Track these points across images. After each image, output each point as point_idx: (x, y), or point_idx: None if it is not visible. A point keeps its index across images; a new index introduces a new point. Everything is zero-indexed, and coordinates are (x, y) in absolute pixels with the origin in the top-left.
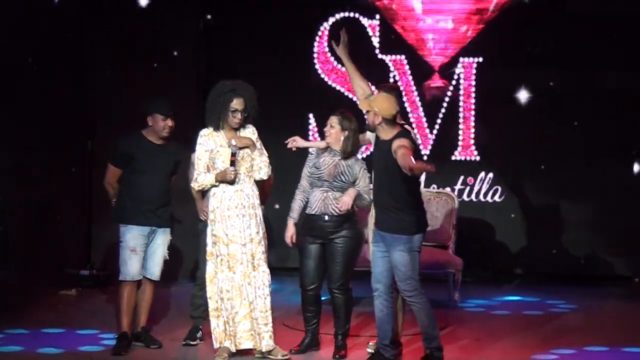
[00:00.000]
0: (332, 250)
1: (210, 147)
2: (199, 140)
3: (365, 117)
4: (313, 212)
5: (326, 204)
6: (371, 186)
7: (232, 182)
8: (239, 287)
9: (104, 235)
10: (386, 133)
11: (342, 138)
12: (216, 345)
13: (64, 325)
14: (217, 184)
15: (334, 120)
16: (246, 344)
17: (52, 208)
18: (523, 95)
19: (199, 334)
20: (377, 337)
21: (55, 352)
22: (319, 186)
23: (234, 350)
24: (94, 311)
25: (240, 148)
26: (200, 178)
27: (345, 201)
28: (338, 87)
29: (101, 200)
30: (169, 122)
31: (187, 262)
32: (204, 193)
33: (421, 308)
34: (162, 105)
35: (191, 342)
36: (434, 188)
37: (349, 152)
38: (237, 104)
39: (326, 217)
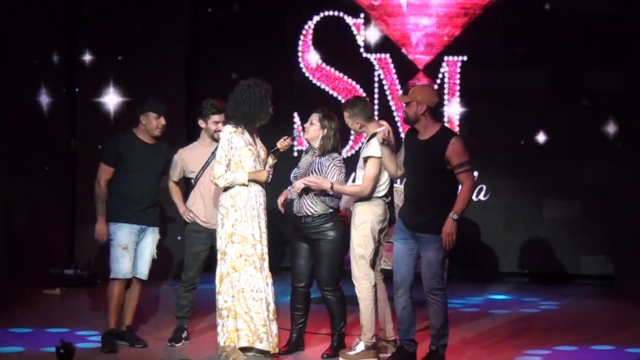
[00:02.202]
0: (317, 252)
1: (240, 144)
2: (227, 136)
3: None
4: (294, 213)
5: (301, 204)
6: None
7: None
8: (263, 289)
9: (88, 235)
10: (428, 128)
11: (321, 136)
12: (222, 343)
13: (48, 325)
14: (247, 183)
15: (314, 117)
16: (264, 344)
17: (35, 208)
18: (507, 94)
19: (184, 334)
20: (399, 332)
21: (39, 351)
22: None
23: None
24: (78, 310)
25: (274, 151)
26: (229, 176)
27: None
28: (322, 86)
29: (85, 199)
30: (162, 121)
31: (176, 262)
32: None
33: (440, 307)
34: (155, 103)
35: (175, 344)
36: None
37: (327, 151)
38: (270, 100)
39: (302, 219)
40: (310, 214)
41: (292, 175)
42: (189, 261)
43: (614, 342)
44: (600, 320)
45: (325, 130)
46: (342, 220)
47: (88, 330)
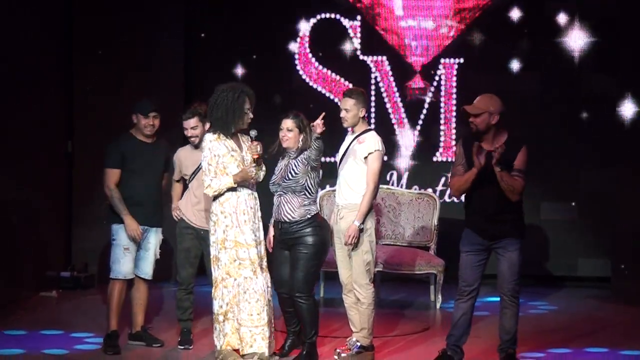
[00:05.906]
0: (294, 257)
1: (222, 151)
2: (208, 145)
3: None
4: (273, 219)
5: (280, 210)
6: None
7: (248, 181)
8: (262, 291)
9: (84, 237)
10: (494, 137)
11: (301, 139)
12: (219, 346)
13: (45, 327)
14: (235, 185)
15: (290, 124)
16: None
17: (32, 209)
18: (504, 97)
19: (191, 336)
20: (450, 337)
21: (37, 353)
22: (275, 191)
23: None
24: (74, 313)
25: (257, 162)
26: (215, 183)
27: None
28: (319, 89)
29: (81, 201)
30: (150, 121)
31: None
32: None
33: (516, 311)
34: (142, 105)
35: (189, 347)
36: (415, 189)
37: (303, 150)
38: (248, 103)
39: (280, 225)
40: (288, 220)
41: (270, 182)
42: (180, 259)
43: (610, 345)
44: (597, 322)
45: (303, 134)
46: (321, 225)
47: (85, 332)
